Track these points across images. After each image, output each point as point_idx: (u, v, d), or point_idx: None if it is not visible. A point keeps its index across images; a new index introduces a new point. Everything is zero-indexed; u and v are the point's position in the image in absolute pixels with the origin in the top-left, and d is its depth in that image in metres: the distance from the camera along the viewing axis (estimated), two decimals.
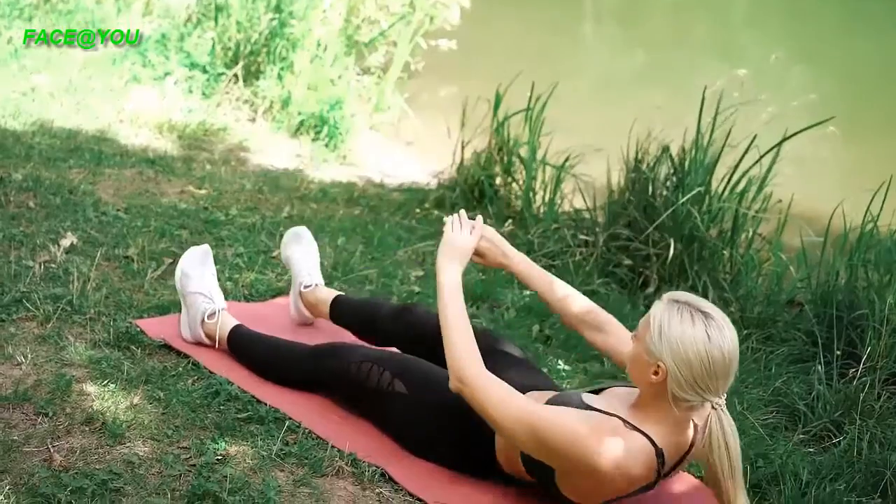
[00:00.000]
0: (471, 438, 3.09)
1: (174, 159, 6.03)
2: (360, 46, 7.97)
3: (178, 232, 4.82)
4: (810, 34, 13.26)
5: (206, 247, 3.87)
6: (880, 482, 3.40)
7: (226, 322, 3.72)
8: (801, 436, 3.74)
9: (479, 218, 3.38)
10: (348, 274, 4.61)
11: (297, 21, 7.22)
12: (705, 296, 4.67)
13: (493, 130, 5.92)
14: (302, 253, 4.07)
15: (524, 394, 3.13)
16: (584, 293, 4.69)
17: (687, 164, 4.92)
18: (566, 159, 5.63)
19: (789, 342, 4.35)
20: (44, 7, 7.86)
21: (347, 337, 3.84)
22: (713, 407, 2.76)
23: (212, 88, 7.24)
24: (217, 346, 3.72)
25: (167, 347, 3.71)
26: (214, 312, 3.73)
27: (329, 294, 3.95)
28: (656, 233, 4.85)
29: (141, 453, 3.03)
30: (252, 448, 3.14)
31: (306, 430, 3.29)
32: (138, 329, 3.78)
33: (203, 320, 3.72)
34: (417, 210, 5.85)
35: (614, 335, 3.29)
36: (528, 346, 4.17)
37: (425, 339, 3.44)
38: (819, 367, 4.04)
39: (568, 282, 4.75)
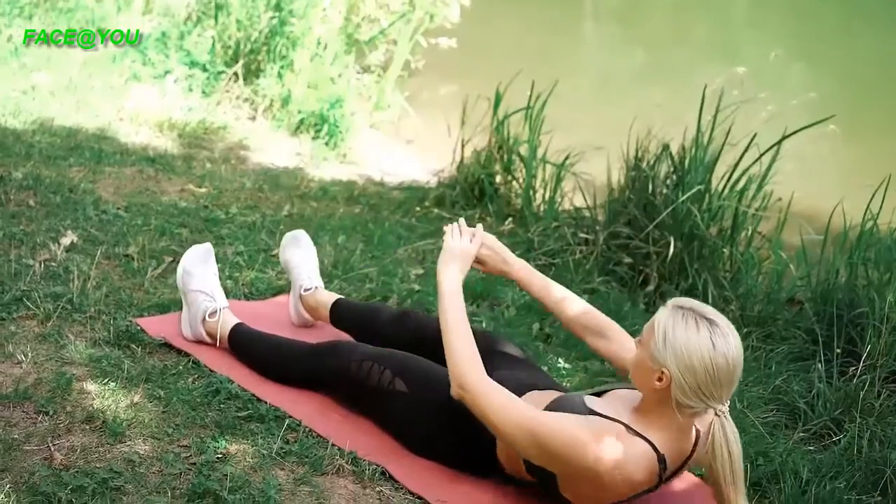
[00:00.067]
0: (471, 437, 3.10)
1: (174, 158, 6.03)
2: (360, 45, 7.97)
3: (179, 230, 4.83)
4: (810, 33, 13.26)
5: (208, 245, 3.87)
6: (880, 480, 3.40)
7: (227, 320, 3.72)
8: (802, 434, 3.74)
9: (479, 226, 3.40)
10: (348, 272, 4.61)
11: (298, 19, 7.22)
12: (705, 294, 4.67)
13: (494, 129, 5.92)
14: (301, 256, 4.07)
15: (524, 393, 3.14)
16: (585, 291, 4.74)
17: (687, 162, 4.92)
18: (566, 158, 5.63)
19: (789, 340, 4.35)
20: (44, 5, 7.86)
21: (348, 337, 3.84)
22: (716, 414, 2.76)
23: (212, 87, 7.24)
24: (218, 344, 3.72)
25: (167, 346, 3.71)
26: (216, 311, 3.73)
27: (329, 297, 3.95)
28: (656, 231, 4.85)
29: (141, 452, 3.03)
30: (252, 446, 3.14)
31: (307, 429, 3.29)
32: (138, 327, 3.78)
33: (204, 318, 3.72)
34: (417, 208, 5.85)
35: (616, 341, 3.29)
36: (529, 344, 4.17)
37: (426, 342, 3.44)
38: (819, 366, 4.04)
39: (568, 280, 4.80)
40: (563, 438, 2.80)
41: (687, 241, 4.80)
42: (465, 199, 5.89)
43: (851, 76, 10.82)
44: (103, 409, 3.21)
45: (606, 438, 2.78)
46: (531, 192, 5.73)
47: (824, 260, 4.52)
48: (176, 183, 5.58)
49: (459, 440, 3.12)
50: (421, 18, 7.95)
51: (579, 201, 5.45)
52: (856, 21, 14.23)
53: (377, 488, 3.08)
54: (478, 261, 3.36)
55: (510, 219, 5.64)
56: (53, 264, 4.18)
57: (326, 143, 6.99)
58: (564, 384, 3.83)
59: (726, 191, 4.92)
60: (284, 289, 4.30)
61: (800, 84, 8.17)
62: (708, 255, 4.83)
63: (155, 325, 3.81)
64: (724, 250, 4.86)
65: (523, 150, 5.83)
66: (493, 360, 3.33)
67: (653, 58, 11.53)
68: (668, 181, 4.99)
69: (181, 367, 3.59)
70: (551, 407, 2.98)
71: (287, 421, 3.31)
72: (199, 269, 3.79)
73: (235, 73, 7.28)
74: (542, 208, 5.65)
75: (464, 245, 3.29)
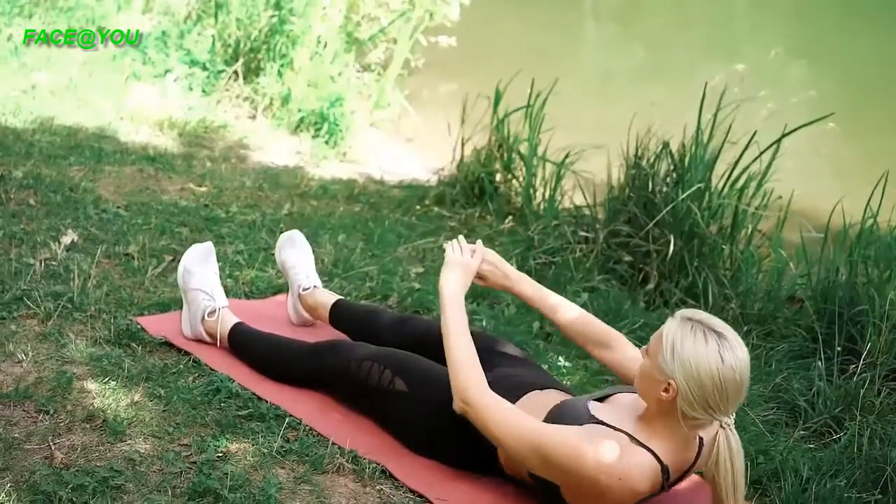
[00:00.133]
0: (471, 437, 3.09)
1: (174, 157, 6.03)
2: (360, 43, 7.98)
3: (179, 229, 4.83)
4: (810, 31, 13.26)
5: (208, 244, 3.87)
6: (881, 478, 3.40)
7: (226, 320, 3.72)
8: (802, 432, 3.74)
9: (479, 242, 3.40)
10: (348, 271, 4.61)
11: (297, 18, 7.22)
12: (705, 292, 4.67)
13: (494, 127, 5.92)
14: (297, 256, 4.07)
15: (525, 392, 3.14)
16: (585, 289, 4.74)
17: (687, 160, 4.92)
18: (566, 156, 5.63)
19: (789, 338, 4.35)
20: (44, 4, 7.86)
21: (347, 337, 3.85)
22: (722, 426, 2.76)
23: (212, 86, 7.25)
24: (218, 343, 3.72)
25: (168, 345, 3.71)
26: (215, 310, 3.73)
27: (329, 298, 3.95)
28: (656, 229, 4.85)
29: (142, 451, 3.03)
30: (253, 445, 3.15)
31: (307, 428, 3.29)
32: (139, 326, 3.78)
33: (203, 318, 3.72)
34: (418, 207, 5.85)
35: (620, 351, 3.29)
36: (529, 342, 4.17)
37: (425, 346, 3.45)
38: (819, 364, 4.04)
39: (568, 278, 4.81)
40: (567, 451, 2.80)
41: (687, 239, 4.80)
42: (465, 198, 5.90)
43: (851, 75, 10.82)
44: (104, 407, 3.21)
45: (610, 450, 2.78)
46: (531, 191, 5.73)
47: (824, 258, 4.52)
48: (176, 182, 5.58)
49: (460, 440, 3.12)
50: (421, 17, 7.95)
51: (579, 200, 5.45)
52: (855, 20, 14.22)
53: (377, 487, 3.08)
54: (479, 276, 3.36)
55: (510, 217, 5.64)
56: (54, 263, 4.18)
57: (326, 142, 6.99)
58: (565, 382, 3.83)
59: (726, 189, 4.92)
60: (284, 288, 4.30)
61: (800, 82, 8.16)
62: (708, 253, 4.83)
63: (155, 324, 3.81)
64: (724, 248, 4.86)
65: (523, 148, 5.83)
66: (493, 359, 3.33)
67: (653, 56, 11.53)
68: (668, 179, 4.99)
69: (181, 366, 3.59)
70: (555, 411, 2.98)
71: (287, 420, 3.32)
72: (199, 267, 3.79)
73: (235, 72, 7.28)
74: (542, 206, 5.65)
75: (465, 260, 3.30)
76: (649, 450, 2.80)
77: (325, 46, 7.36)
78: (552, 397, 3.14)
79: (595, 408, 2.95)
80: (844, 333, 4.14)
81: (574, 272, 4.87)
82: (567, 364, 4.08)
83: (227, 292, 4.19)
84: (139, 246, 4.48)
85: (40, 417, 3.13)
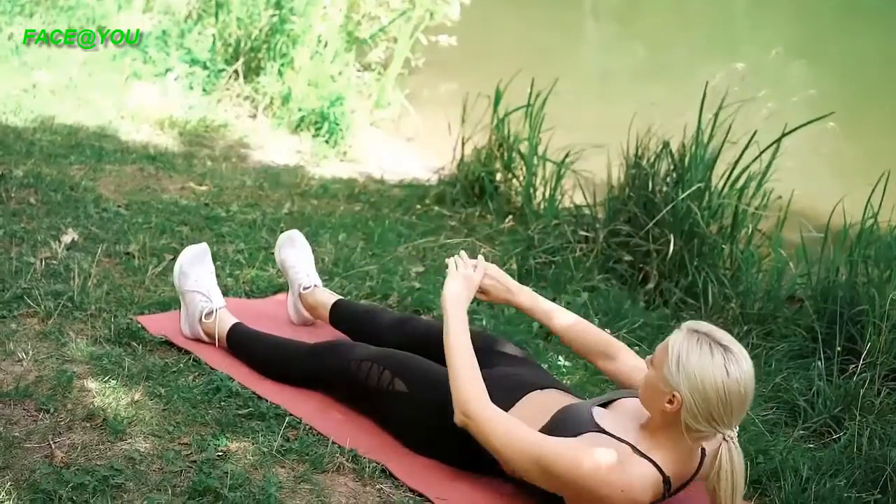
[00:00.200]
0: (472, 438, 3.09)
1: (175, 156, 6.04)
2: (360, 42, 7.98)
3: (179, 228, 4.83)
4: (809, 30, 13.26)
5: (203, 245, 3.87)
6: (880, 478, 3.40)
7: (224, 320, 3.72)
8: (801, 432, 3.74)
9: (481, 257, 3.41)
10: (349, 270, 4.61)
11: (298, 17, 7.23)
12: (705, 292, 4.67)
13: (494, 127, 5.93)
14: (297, 255, 4.07)
15: (525, 392, 3.14)
16: (584, 289, 4.74)
17: (687, 160, 4.92)
18: (566, 155, 5.63)
19: (789, 338, 4.35)
20: (45, 3, 7.87)
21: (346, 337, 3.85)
22: (725, 439, 2.76)
23: (212, 85, 7.25)
24: (217, 344, 3.72)
25: (168, 344, 3.72)
26: (212, 311, 3.73)
27: (329, 298, 3.96)
28: (656, 229, 4.85)
29: (142, 449, 3.03)
30: (253, 444, 3.15)
31: (307, 427, 3.29)
32: (139, 325, 3.78)
33: (201, 319, 3.72)
34: (418, 206, 5.85)
35: (624, 362, 3.29)
36: (529, 342, 4.17)
37: (426, 346, 3.45)
38: (819, 363, 4.04)
39: (568, 278, 4.81)
40: (568, 464, 2.79)
41: (687, 238, 4.80)
42: (465, 197, 5.90)
43: (851, 75, 10.82)
44: (104, 406, 3.21)
45: (612, 462, 2.77)
46: (531, 190, 5.74)
47: (824, 258, 4.52)
48: (176, 181, 5.59)
49: (460, 440, 3.12)
50: (421, 16, 7.96)
51: (579, 199, 5.45)
52: (855, 20, 14.23)
53: (377, 486, 3.08)
54: (482, 290, 3.38)
55: (510, 216, 5.64)
56: (54, 262, 4.18)
57: (327, 141, 7.00)
58: (565, 382, 3.83)
59: (726, 189, 4.92)
60: (284, 287, 4.30)
61: (799, 81, 8.17)
62: (708, 252, 4.83)
63: (155, 323, 3.82)
64: (724, 248, 4.86)
65: (523, 147, 5.83)
66: (493, 359, 3.33)
67: (653, 55, 11.54)
68: (668, 179, 4.99)
69: (182, 365, 3.59)
70: (559, 416, 2.98)
71: (287, 419, 3.32)
72: (194, 269, 3.78)
73: (236, 71, 7.29)
74: (542, 206, 5.65)
75: (467, 274, 3.31)
76: (651, 461, 2.81)
77: (325, 46, 7.37)
78: (553, 397, 3.14)
79: (599, 414, 2.95)
80: (844, 333, 4.14)
81: (574, 271, 4.87)
82: (567, 363, 4.08)
83: (228, 291, 4.20)
84: (139, 245, 4.48)
85: (40, 416, 3.13)
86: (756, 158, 4.90)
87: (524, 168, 5.82)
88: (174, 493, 2.85)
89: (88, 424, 3.13)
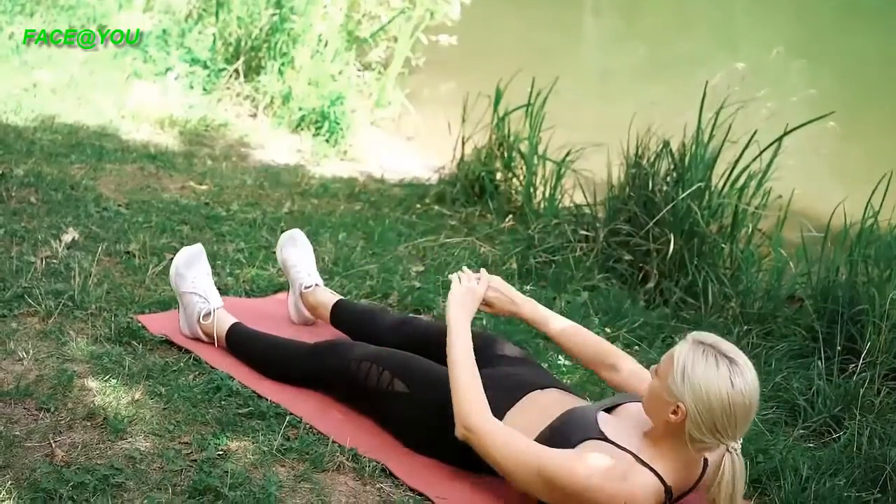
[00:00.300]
0: None
1: (175, 155, 6.04)
2: (360, 42, 7.98)
3: (180, 227, 4.83)
4: (809, 30, 13.26)
5: (198, 246, 3.87)
6: (880, 477, 3.40)
7: (222, 320, 3.72)
8: (801, 431, 3.74)
9: (483, 270, 3.42)
10: (349, 269, 4.61)
11: (298, 16, 7.23)
12: (705, 291, 4.68)
13: (494, 126, 5.93)
14: (298, 255, 4.07)
15: (526, 392, 3.14)
16: (585, 289, 4.74)
17: (687, 159, 4.92)
18: (567, 154, 5.63)
19: (789, 337, 4.35)
20: (45, 2, 7.87)
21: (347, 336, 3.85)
22: (728, 450, 2.76)
23: (213, 84, 7.25)
24: (216, 344, 3.72)
25: (168, 343, 3.72)
26: (210, 312, 3.73)
27: (330, 297, 3.96)
28: (656, 228, 4.85)
29: (142, 448, 3.03)
30: (253, 443, 3.15)
31: (307, 426, 3.30)
32: (139, 324, 3.78)
33: (199, 320, 3.72)
34: (418, 205, 5.85)
35: (628, 372, 3.29)
36: (529, 341, 4.18)
37: (427, 347, 3.45)
38: (819, 363, 4.05)
39: (568, 277, 4.81)
40: (570, 475, 2.79)
41: (687, 238, 4.80)
42: (465, 196, 5.90)
43: (851, 74, 10.82)
44: (104, 405, 3.21)
45: (615, 473, 2.78)
46: (531, 189, 5.74)
47: (824, 257, 4.52)
48: (177, 180, 5.59)
49: (460, 441, 3.12)
50: (421, 16, 7.96)
51: (580, 198, 5.45)
52: (855, 20, 14.23)
53: (377, 485, 3.08)
54: (486, 303, 3.39)
55: (510, 216, 5.64)
56: (55, 261, 4.18)
57: (327, 140, 6.99)
58: (565, 381, 3.84)
59: (726, 188, 4.93)
60: (285, 286, 4.30)
61: (799, 81, 8.17)
62: (708, 252, 4.83)
63: (156, 322, 3.82)
64: (724, 247, 4.86)
65: (524, 147, 5.84)
66: (493, 359, 3.34)
67: (653, 54, 11.53)
68: (669, 178, 4.99)
69: (182, 364, 3.59)
70: (565, 419, 2.98)
71: (288, 418, 3.32)
72: (190, 270, 3.78)
73: (236, 71, 7.29)
74: (542, 205, 5.65)
75: (471, 287, 3.32)
76: (653, 471, 2.81)
77: (325, 45, 7.37)
78: (554, 397, 3.14)
79: (603, 420, 2.95)
80: (844, 333, 4.15)
81: (574, 271, 4.87)
82: (567, 363, 4.08)
83: (228, 290, 4.20)
84: (140, 244, 4.48)
85: (41, 415, 3.14)
86: (756, 158, 4.90)
87: (524, 167, 5.82)
88: (174, 491, 2.85)
89: (89, 423, 3.13)
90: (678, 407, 2.75)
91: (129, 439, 3.07)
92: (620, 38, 13.15)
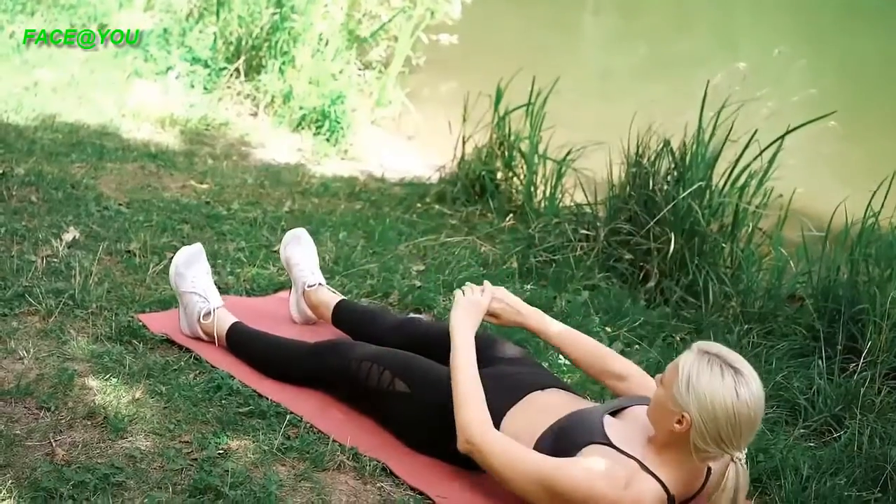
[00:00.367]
0: None
1: (176, 154, 6.04)
2: (361, 41, 7.98)
3: (180, 226, 4.83)
4: (809, 30, 13.26)
5: (198, 245, 3.87)
6: (880, 477, 3.40)
7: (223, 320, 3.72)
8: (802, 430, 3.74)
9: (487, 283, 3.42)
10: (349, 269, 4.61)
11: (299, 15, 7.23)
12: (706, 290, 4.68)
13: (495, 125, 5.93)
14: (302, 253, 4.07)
15: (527, 393, 3.14)
16: (585, 288, 4.74)
17: (688, 158, 4.92)
18: (567, 154, 5.63)
19: (790, 337, 4.35)
20: (46, 2, 7.87)
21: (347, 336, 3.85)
22: (733, 460, 2.76)
23: (213, 83, 7.25)
24: (217, 343, 3.72)
25: (169, 342, 3.72)
26: (210, 312, 3.73)
27: (332, 297, 3.96)
28: (657, 227, 4.85)
29: (143, 447, 3.03)
30: (253, 442, 3.15)
31: (308, 425, 3.30)
32: (140, 323, 3.78)
33: (199, 319, 3.72)
34: (419, 204, 5.85)
35: (635, 382, 3.28)
36: (529, 340, 4.17)
37: (427, 347, 3.46)
38: (820, 362, 4.05)
39: (569, 276, 4.81)
40: (573, 483, 2.79)
41: (688, 237, 4.80)
42: (466, 196, 5.90)
43: (851, 74, 10.83)
44: (105, 404, 3.21)
45: (619, 480, 2.77)
46: (532, 189, 5.74)
47: (825, 256, 4.52)
48: (177, 179, 5.59)
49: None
50: (422, 15, 7.96)
51: (580, 197, 5.45)
52: (855, 20, 14.23)
53: (378, 484, 3.08)
54: (492, 314, 3.39)
55: (511, 215, 5.64)
56: (55, 260, 4.18)
57: (328, 140, 7.00)
58: (565, 380, 3.83)
59: (727, 187, 4.93)
60: (285, 285, 4.31)
61: (799, 81, 8.17)
62: (708, 251, 4.83)
63: (156, 321, 3.82)
64: (725, 246, 4.87)
65: (524, 146, 5.84)
66: (493, 359, 3.33)
67: (654, 53, 11.54)
68: (669, 177, 4.99)
69: (182, 363, 3.59)
70: (569, 421, 2.97)
71: (288, 417, 3.32)
72: (190, 270, 3.78)
73: (237, 70, 7.29)
74: (542, 204, 5.65)
75: (475, 299, 3.33)
76: (658, 478, 2.80)
77: (326, 44, 7.37)
78: (555, 397, 3.14)
79: (609, 424, 2.94)
80: (845, 332, 4.14)
81: (575, 270, 4.87)
82: (567, 362, 4.08)
83: (228, 289, 4.20)
84: (140, 243, 4.48)
85: (41, 414, 3.14)
86: (757, 157, 4.90)
87: (525, 166, 5.82)
88: (175, 491, 2.85)
89: (89, 422, 3.13)
90: (683, 417, 2.75)
91: (130, 438, 3.07)
92: (621, 37, 13.15)
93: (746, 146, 4.87)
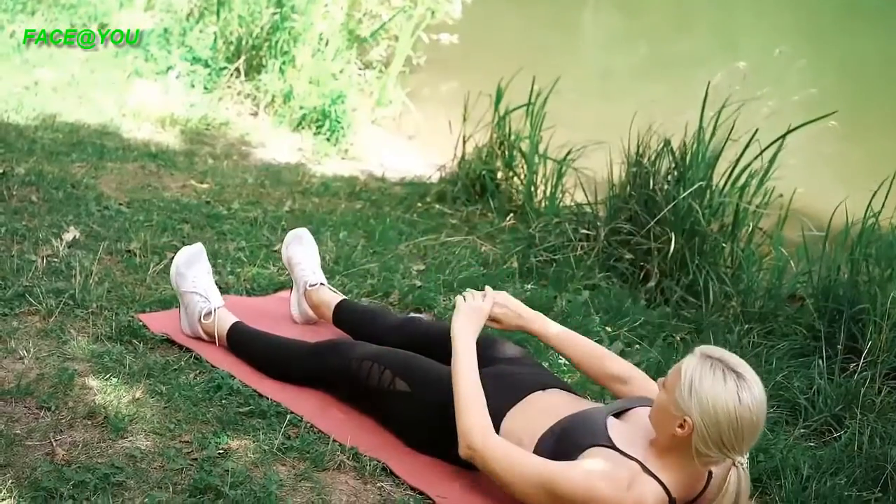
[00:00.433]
0: None
1: (176, 153, 6.04)
2: (361, 40, 7.98)
3: (181, 226, 4.83)
4: (809, 30, 13.26)
5: (199, 245, 3.87)
6: (881, 476, 3.40)
7: (223, 320, 3.72)
8: (802, 430, 3.74)
9: (488, 288, 3.42)
10: (350, 268, 4.61)
11: (299, 15, 7.23)
12: (706, 290, 4.68)
13: (495, 125, 5.93)
14: (304, 253, 4.07)
15: (528, 393, 3.14)
16: (585, 287, 4.74)
17: (688, 158, 4.92)
18: (567, 153, 5.64)
19: (790, 336, 4.35)
20: (46, 1, 7.88)
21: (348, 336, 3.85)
22: (735, 465, 2.76)
23: (214, 83, 7.26)
24: (217, 343, 3.72)
25: (169, 341, 3.72)
26: (210, 311, 3.72)
27: (333, 297, 3.96)
28: (657, 227, 4.85)
29: (143, 447, 3.03)
30: (254, 442, 3.15)
31: (308, 425, 3.29)
32: (140, 323, 3.78)
33: (200, 319, 3.72)
34: (419, 204, 5.85)
35: (637, 385, 3.27)
36: (529, 340, 4.17)
37: (429, 347, 3.46)
38: (820, 362, 4.05)
39: (569, 276, 4.81)
40: (575, 487, 2.79)
41: (688, 237, 4.80)
42: (466, 195, 5.90)
43: (851, 74, 10.82)
44: (105, 404, 3.21)
45: (621, 482, 2.77)
46: (532, 188, 5.74)
47: (825, 256, 4.52)
48: (178, 179, 5.59)
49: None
50: (422, 14, 7.96)
51: (580, 197, 5.46)
52: (855, 20, 14.22)
53: (378, 484, 3.08)
54: (494, 319, 3.39)
55: (511, 215, 5.64)
56: (55, 260, 4.18)
57: (328, 139, 7.00)
58: (565, 380, 3.83)
59: (727, 187, 4.93)
60: (286, 284, 4.31)
61: (799, 80, 8.17)
62: (709, 251, 4.83)
63: (157, 321, 3.82)
64: (725, 246, 4.87)
65: (524, 145, 5.84)
66: (493, 358, 3.33)
67: (654, 52, 11.54)
68: (670, 177, 4.99)
69: (183, 363, 3.59)
70: (573, 422, 2.97)
71: (288, 417, 3.32)
72: (191, 269, 3.78)
73: (237, 69, 7.29)
74: (543, 204, 5.65)
75: (476, 304, 3.33)
76: (659, 481, 2.80)
77: (326, 44, 7.37)
78: (556, 397, 3.14)
79: (612, 426, 2.94)
80: (845, 332, 4.14)
81: (575, 270, 4.87)
82: (567, 362, 4.08)
83: (229, 289, 4.20)
84: (141, 243, 4.48)
85: (42, 414, 3.14)
86: (757, 157, 4.90)
87: (525, 166, 5.82)
88: (175, 490, 2.85)
89: (89, 422, 3.13)
90: (685, 421, 2.75)
91: (130, 438, 3.07)
92: (621, 36, 13.15)
93: (747, 146, 4.87)
